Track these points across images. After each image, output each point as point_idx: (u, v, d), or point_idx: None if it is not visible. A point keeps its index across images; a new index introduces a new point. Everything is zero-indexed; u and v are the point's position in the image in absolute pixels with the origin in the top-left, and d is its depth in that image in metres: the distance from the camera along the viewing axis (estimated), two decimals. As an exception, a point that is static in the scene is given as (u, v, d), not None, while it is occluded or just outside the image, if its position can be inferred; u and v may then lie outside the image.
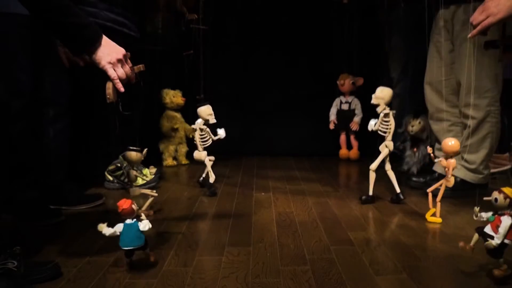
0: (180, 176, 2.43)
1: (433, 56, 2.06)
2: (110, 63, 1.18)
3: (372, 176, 1.87)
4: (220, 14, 2.98)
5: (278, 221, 1.66)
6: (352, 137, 3.07)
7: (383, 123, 1.83)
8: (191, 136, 2.76)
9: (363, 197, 1.91)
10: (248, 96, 3.16)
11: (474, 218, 1.16)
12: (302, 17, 3.10)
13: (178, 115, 2.83)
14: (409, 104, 2.75)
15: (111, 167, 2.18)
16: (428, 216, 1.65)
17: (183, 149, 2.85)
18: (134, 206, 1.20)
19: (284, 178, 2.45)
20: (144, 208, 1.67)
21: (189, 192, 2.13)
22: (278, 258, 1.31)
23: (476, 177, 1.97)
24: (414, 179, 2.17)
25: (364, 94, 2.92)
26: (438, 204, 1.63)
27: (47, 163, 1.77)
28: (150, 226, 1.22)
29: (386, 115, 1.81)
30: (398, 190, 1.88)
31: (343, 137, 3.08)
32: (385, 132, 1.83)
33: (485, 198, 1.13)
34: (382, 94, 1.81)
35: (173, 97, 2.80)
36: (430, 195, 1.66)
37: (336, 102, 3.08)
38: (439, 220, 1.63)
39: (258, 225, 1.62)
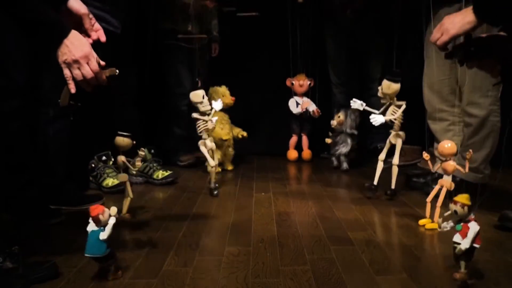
0: (180, 177, 2.42)
1: (432, 56, 2.05)
2: (65, 62, 1.15)
3: (395, 170, 1.92)
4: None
5: (278, 221, 1.66)
6: (303, 137, 3.00)
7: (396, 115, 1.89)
8: (240, 136, 2.66)
9: (388, 192, 1.95)
10: (248, 96, 3.16)
11: (439, 229, 1.17)
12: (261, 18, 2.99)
13: (226, 117, 2.63)
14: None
15: (89, 167, 2.17)
16: (421, 223, 1.61)
17: (231, 152, 2.66)
18: (104, 216, 1.12)
19: (284, 178, 2.45)
20: (123, 212, 1.65)
21: (189, 192, 2.13)
22: (278, 258, 1.31)
23: (477, 176, 1.96)
24: (414, 179, 2.17)
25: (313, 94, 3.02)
26: (438, 209, 1.59)
27: (46, 163, 1.77)
28: (106, 235, 1.11)
29: (399, 106, 1.89)
30: (393, 186, 1.93)
31: (294, 139, 3.01)
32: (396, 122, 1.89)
33: (445, 214, 1.15)
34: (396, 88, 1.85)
35: (223, 96, 2.56)
36: (429, 205, 1.61)
37: (292, 103, 2.99)
38: (435, 225, 1.58)
39: (258, 225, 1.62)
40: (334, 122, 2.67)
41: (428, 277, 1.19)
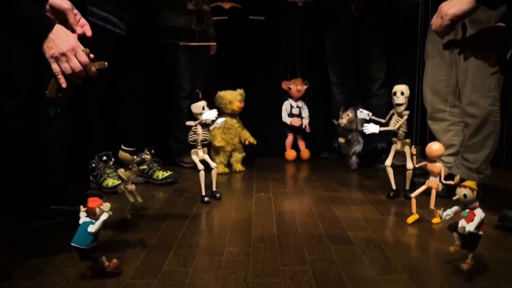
0: (180, 177, 2.42)
1: (432, 56, 2.05)
2: (52, 56, 1.14)
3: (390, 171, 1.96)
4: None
5: (278, 221, 1.66)
6: (299, 138, 3.01)
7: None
8: (247, 143, 2.56)
9: (408, 194, 1.93)
10: (246, 96, 3.15)
11: (442, 219, 1.23)
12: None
13: (233, 121, 2.54)
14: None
15: (90, 167, 2.17)
16: (410, 220, 1.63)
17: (239, 155, 2.60)
18: (101, 210, 1.16)
19: (283, 178, 2.46)
20: (126, 211, 1.64)
21: (189, 192, 2.13)
22: (278, 258, 1.31)
23: (477, 177, 1.96)
24: (414, 179, 2.17)
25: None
26: (435, 210, 1.60)
27: (46, 163, 1.77)
28: (94, 229, 1.13)
29: (401, 115, 1.93)
30: (407, 187, 1.95)
31: (290, 139, 3.01)
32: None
33: (454, 198, 1.16)
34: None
35: (229, 102, 2.47)
36: (414, 201, 1.65)
37: (286, 107, 2.99)
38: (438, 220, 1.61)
39: (258, 225, 1.62)
40: (343, 121, 2.61)
41: (428, 277, 1.19)
